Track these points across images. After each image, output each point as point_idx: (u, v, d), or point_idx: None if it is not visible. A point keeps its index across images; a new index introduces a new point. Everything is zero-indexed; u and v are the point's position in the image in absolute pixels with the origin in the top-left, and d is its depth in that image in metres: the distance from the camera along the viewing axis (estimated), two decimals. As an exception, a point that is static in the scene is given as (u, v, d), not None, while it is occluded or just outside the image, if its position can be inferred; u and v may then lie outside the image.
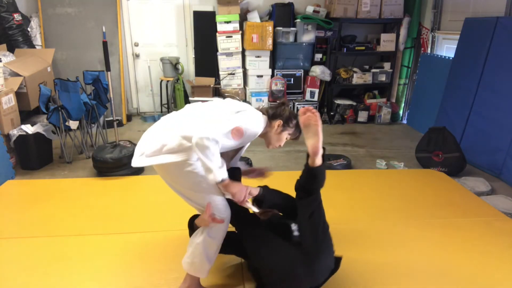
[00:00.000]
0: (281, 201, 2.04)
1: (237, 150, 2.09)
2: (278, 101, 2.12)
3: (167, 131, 1.83)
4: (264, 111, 1.98)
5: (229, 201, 1.92)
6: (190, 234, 2.09)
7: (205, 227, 1.88)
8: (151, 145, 1.82)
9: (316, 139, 1.80)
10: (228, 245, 1.99)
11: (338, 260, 1.90)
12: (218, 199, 1.86)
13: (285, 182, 2.54)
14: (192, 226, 2.05)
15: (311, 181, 1.86)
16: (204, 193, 1.84)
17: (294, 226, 1.90)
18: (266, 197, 1.95)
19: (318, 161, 1.83)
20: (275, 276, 1.80)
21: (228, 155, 2.06)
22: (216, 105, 1.93)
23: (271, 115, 1.96)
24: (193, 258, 1.91)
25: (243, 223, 1.97)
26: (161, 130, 1.87)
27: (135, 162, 1.84)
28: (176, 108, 5.39)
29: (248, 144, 2.08)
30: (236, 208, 1.93)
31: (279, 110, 1.96)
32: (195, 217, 2.05)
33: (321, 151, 1.81)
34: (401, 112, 5.84)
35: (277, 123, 1.93)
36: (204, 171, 1.77)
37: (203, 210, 1.87)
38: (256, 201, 1.97)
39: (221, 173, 1.73)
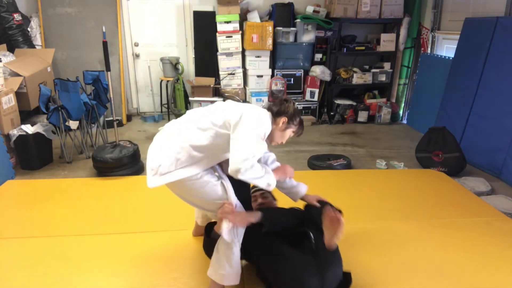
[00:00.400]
0: (285, 220, 2.04)
1: None
2: (279, 98, 2.12)
3: (176, 145, 1.81)
4: (268, 108, 1.97)
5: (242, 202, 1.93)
6: (205, 240, 2.13)
7: (233, 232, 1.89)
8: (163, 161, 1.79)
9: (333, 238, 1.77)
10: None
11: (348, 275, 1.90)
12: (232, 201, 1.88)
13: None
14: (209, 232, 2.07)
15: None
16: (216, 200, 1.86)
17: (312, 234, 1.90)
18: (265, 223, 1.93)
19: None
20: (286, 286, 1.80)
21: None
22: (220, 109, 1.90)
23: (275, 112, 1.95)
24: (220, 266, 1.91)
25: (253, 230, 1.95)
26: (169, 143, 1.84)
27: (151, 183, 1.82)
28: (176, 108, 5.39)
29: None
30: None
31: (283, 107, 1.95)
32: (213, 223, 2.05)
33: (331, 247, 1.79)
34: (401, 112, 5.84)
35: (282, 120, 1.93)
36: (263, 188, 1.83)
37: (214, 212, 1.90)
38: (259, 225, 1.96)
39: (271, 178, 1.82)
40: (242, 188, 1.97)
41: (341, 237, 1.72)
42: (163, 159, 1.80)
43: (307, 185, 2.17)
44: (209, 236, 2.10)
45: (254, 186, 2.38)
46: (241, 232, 1.91)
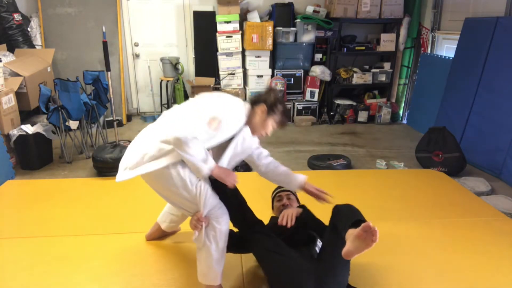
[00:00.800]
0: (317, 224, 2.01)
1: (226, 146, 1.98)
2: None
3: (145, 140, 1.82)
4: (249, 99, 1.92)
5: (235, 207, 1.90)
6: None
7: (204, 235, 1.85)
8: (133, 157, 1.81)
9: (357, 251, 1.53)
10: (232, 245, 1.98)
11: None
12: (210, 201, 1.83)
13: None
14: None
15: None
16: (191, 197, 1.80)
17: (319, 243, 1.86)
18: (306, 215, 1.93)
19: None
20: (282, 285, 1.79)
21: (217, 153, 1.99)
22: (190, 102, 1.87)
23: (253, 100, 1.89)
24: (201, 268, 1.90)
25: (251, 230, 1.94)
26: (140, 140, 1.85)
27: (119, 177, 1.84)
28: (176, 108, 5.39)
29: (243, 140, 1.96)
30: (242, 215, 1.91)
31: (263, 96, 1.88)
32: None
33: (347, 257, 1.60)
34: (401, 112, 5.84)
35: (260, 108, 1.86)
36: (192, 171, 1.73)
37: (191, 213, 1.87)
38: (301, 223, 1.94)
39: (206, 166, 1.69)
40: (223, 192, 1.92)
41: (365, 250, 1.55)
42: (132, 156, 1.82)
43: (305, 176, 2.12)
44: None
45: (279, 186, 2.38)
46: (224, 231, 1.88)
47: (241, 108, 1.86)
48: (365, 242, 1.47)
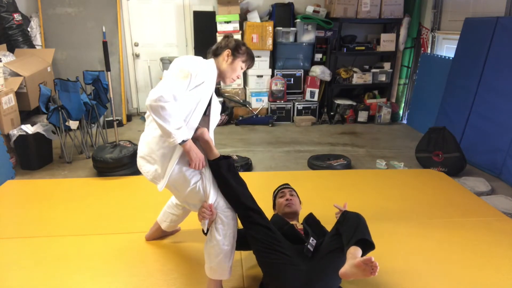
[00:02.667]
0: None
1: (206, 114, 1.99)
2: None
3: (154, 143, 1.84)
4: (208, 52, 1.95)
5: (238, 200, 1.90)
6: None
7: (213, 229, 1.87)
8: (156, 165, 1.84)
9: (353, 276, 1.52)
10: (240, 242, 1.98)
11: None
12: (220, 199, 1.86)
13: (285, 182, 2.54)
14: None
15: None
16: (194, 191, 1.84)
17: (312, 241, 1.85)
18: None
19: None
20: (272, 278, 1.79)
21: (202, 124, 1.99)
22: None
23: (215, 49, 1.93)
24: (210, 262, 1.90)
25: (249, 222, 1.92)
26: (149, 147, 1.87)
27: (161, 187, 1.85)
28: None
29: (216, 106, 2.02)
30: (244, 206, 1.90)
31: (223, 42, 1.92)
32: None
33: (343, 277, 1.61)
34: (401, 112, 5.84)
35: (225, 53, 1.89)
36: (164, 137, 1.73)
37: (197, 208, 1.88)
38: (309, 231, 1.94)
39: (180, 134, 1.69)
40: (227, 186, 1.92)
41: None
42: (155, 164, 1.84)
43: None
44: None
45: (282, 184, 2.39)
46: (232, 225, 1.89)
47: (206, 61, 1.88)
48: (363, 273, 1.49)
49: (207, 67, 1.85)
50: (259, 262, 1.87)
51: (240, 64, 1.94)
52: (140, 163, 1.92)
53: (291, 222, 2.11)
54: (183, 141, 1.73)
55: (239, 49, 1.91)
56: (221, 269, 1.89)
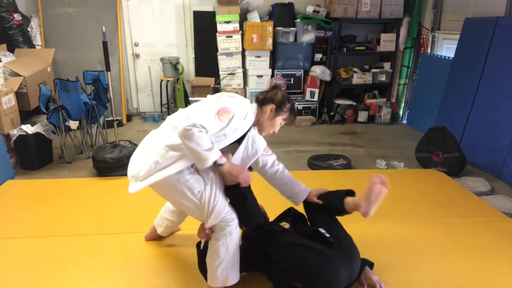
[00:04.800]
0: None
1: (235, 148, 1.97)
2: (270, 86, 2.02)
3: (154, 147, 1.79)
4: (255, 98, 1.92)
5: (253, 221, 1.90)
6: (199, 259, 2.04)
7: (214, 239, 1.86)
8: (141, 167, 1.78)
9: (372, 207, 1.79)
10: (248, 261, 1.98)
11: (367, 261, 1.99)
12: (221, 205, 1.83)
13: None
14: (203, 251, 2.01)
15: (336, 213, 2.01)
16: (196, 206, 1.80)
17: (322, 230, 1.87)
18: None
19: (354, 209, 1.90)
20: (314, 278, 1.76)
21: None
22: (196, 103, 1.87)
23: (261, 100, 1.88)
24: (211, 273, 1.88)
25: (269, 232, 1.92)
26: (146, 149, 1.83)
27: (132, 189, 1.81)
28: (176, 108, 5.39)
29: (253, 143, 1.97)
30: (259, 225, 1.91)
31: (270, 94, 1.88)
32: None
33: (369, 215, 1.82)
34: (401, 112, 5.84)
35: (269, 107, 1.86)
36: (196, 162, 1.69)
37: (203, 217, 1.85)
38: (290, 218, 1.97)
39: (211, 155, 1.65)
40: (239, 200, 1.91)
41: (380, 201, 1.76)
42: (141, 165, 1.79)
43: (309, 189, 2.14)
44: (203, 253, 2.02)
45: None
46: (227, 237, 1.85)
47: (249, 106, 1.85)
48: (379, 191, 1.68)
49: (248, 117, 1.81)
50: (298, 267, 1.81)
51: (280, 121, 1.91)
52: (132, 158, 1.90)
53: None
54: (219, 164, 1.70)
55: (283, 107, 1.87)
56: (222, 277, 1.87)
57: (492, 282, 2.12)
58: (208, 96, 1.89)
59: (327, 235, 1.84)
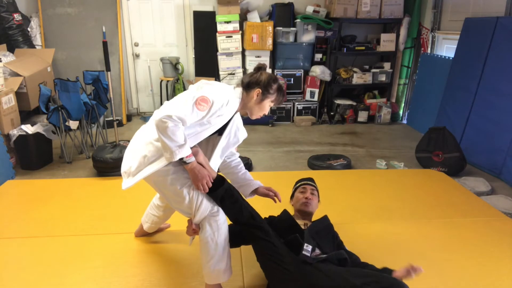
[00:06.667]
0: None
1: (217, 139, 1.94)
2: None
3: (142, 142, 1.81)
4: (240, 82, 1.87)
5: (237, 222, 1.88)
6: None
7: (202, 236, 1.85)
8: (132, 162, 1.80)
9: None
10: (235, 238, 1.97)
11: None
12: (208, 199, 1.83)
13: (285, 182, 2.55)
14: None
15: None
16: (183, 201, 1.79)
17: (307, 247, 1.83)
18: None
19: None
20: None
21: (207, 146, 1.96)
22: (179, 94, 1.84)
23: (246, 84, 1.83)
24: (205, 269, 1.88)
25: (252, 238, 1.90)
26: (135, 145, 1.85)
27: (125, 185, 1.83)
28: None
29: (237, 133, 1.95)
30: (244, 227, 1.89)
31: (254, 77, 1.83)
32: None
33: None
34: (401, 112, 5.84)
35: (256, 92, 1.81)
36: (164, 153, 1.69)
37: (190, 214, 1.85)
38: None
39: (180, 152, 1.64)
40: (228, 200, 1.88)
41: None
42: (132, 161, 1.81)
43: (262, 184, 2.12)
44: None
45: (306, 178, 2.35)
46: (214, 232, 1.84)
47: (233, 92, 1.82)
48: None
49: (230, 103, 1.77)
50: (265, 274, 1.87)
51: (269, 103, 1.87)
52: (125, 154, 1.91)
53: (303, 221, 2.10)
54: (184, 162, 1.70)
55: (270, 89, 1.82)
56: (214, 274, 1.87)
57: (492, 282, 2.12)
58: (190, 86, 1.87)
59: (304, 252, 1.79)
